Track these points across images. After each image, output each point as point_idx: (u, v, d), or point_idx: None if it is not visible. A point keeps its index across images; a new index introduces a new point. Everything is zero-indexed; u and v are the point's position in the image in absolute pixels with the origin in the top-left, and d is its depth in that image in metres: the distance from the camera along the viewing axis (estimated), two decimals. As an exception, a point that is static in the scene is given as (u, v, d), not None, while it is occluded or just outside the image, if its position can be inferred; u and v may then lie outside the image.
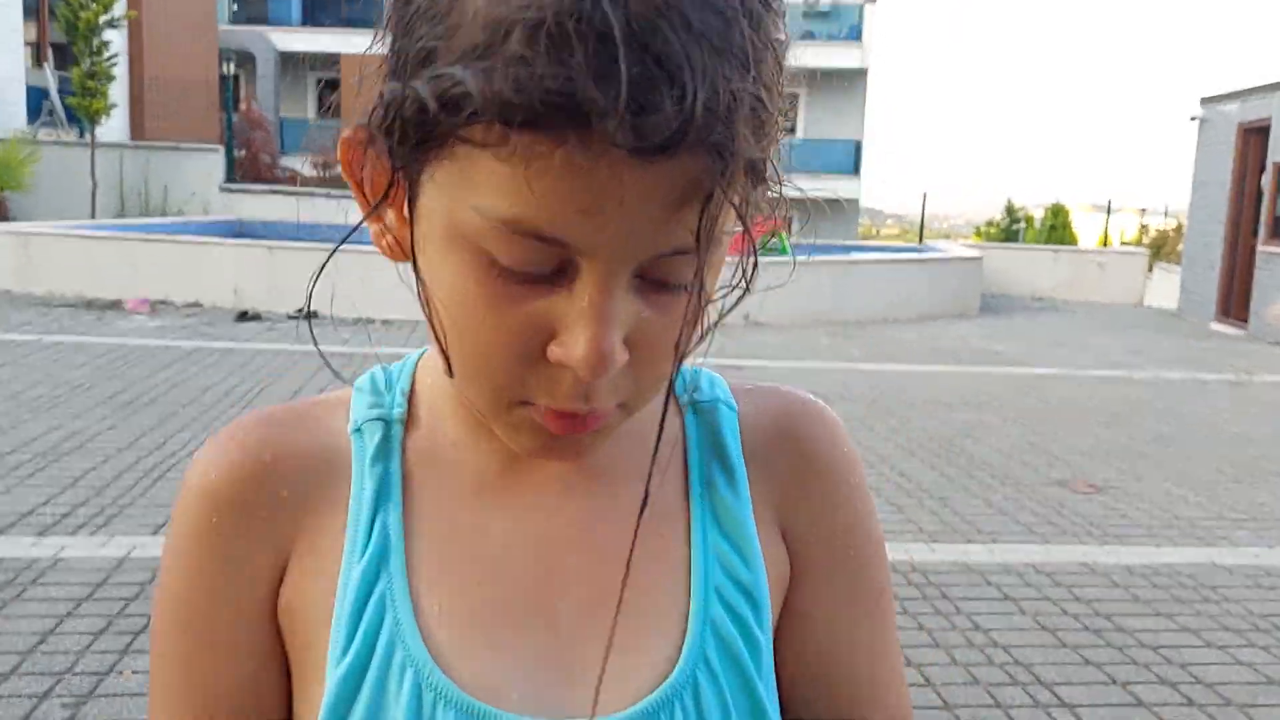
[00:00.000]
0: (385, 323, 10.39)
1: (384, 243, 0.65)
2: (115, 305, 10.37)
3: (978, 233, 76.08)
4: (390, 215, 0.61)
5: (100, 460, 5.16)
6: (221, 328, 9.53)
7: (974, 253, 14.21)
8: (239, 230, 15.24)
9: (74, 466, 5.03)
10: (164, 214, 15.55)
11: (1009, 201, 59.33)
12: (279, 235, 15.18)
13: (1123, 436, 6.75)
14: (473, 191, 0.50)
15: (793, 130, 32.04)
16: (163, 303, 10.62)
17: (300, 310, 10.34)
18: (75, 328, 9.08)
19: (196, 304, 10.65)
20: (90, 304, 10.41)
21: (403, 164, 0.53)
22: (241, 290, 10.62)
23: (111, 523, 4.26)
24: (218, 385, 7.11)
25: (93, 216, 14.87)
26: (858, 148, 31.23)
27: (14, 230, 11.03)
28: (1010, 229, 56.73)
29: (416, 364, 0.72)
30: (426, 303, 0.59)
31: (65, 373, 7.23)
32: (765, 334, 10.87)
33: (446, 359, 0.58)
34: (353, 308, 10.60)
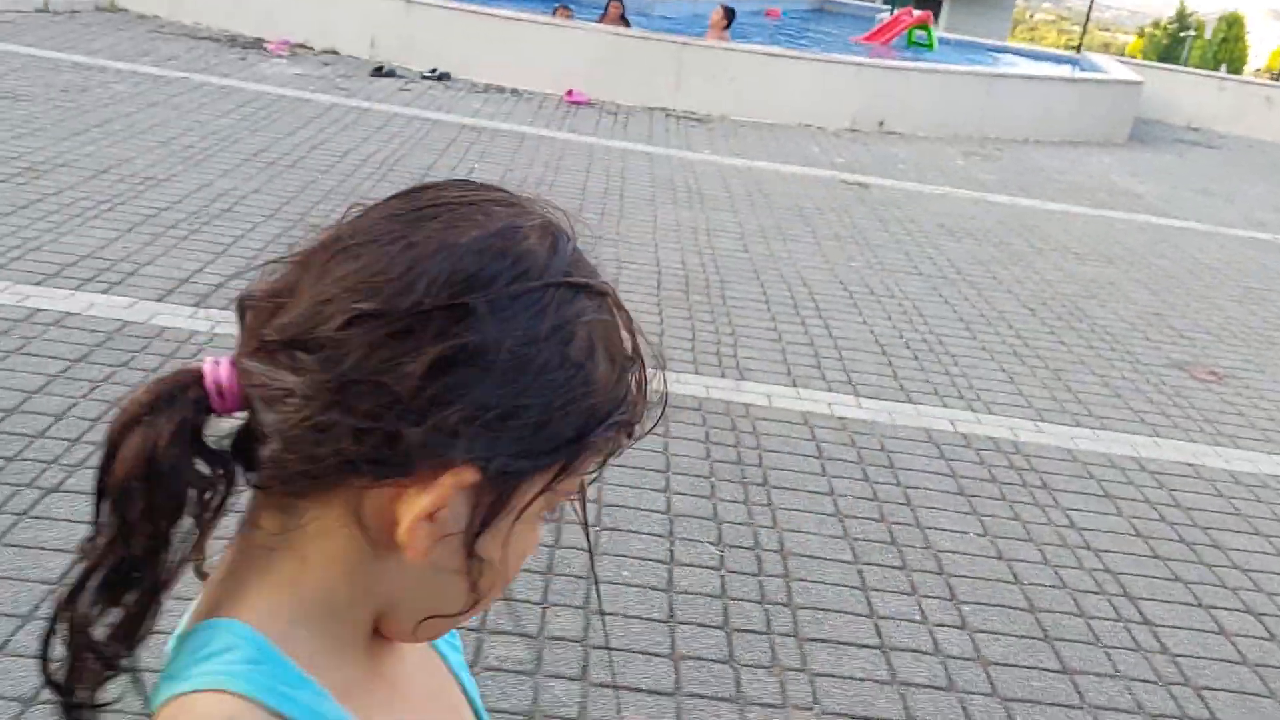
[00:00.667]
0: (514, 92, 10.34)
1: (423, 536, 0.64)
2: (257, 44, 10.46)
3: (1140, 35, 70.40)
4: (443, 516, 0.63)
5: (248, 227, 5.41)
6: (357, 82, 9.60)
7: (1133, 75, 13.37)
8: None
9: (224, 232, 5.29)
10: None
11: (1181, 4, 54.73)
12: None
13: (1255, 316, 6.57)
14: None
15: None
16: (302, 46, 10.66)
17: (434, 70, 10.33)
18: (219, 67, 9.24)
19: (333, 51, 10.67)
20: (234, 40, 10.52)
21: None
22: (377, 42, 10.60)
23: (260, 300, 4.53)
24: (356, 150, 7.26)
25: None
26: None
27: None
28: (1177, 35, 52.51)
29: (265, 645, 0.64)
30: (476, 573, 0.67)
31: (213, 121, 7.43)
32: (897, 145, 10.56)
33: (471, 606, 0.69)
34: (485, 72, 10.55)
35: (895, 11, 18.41)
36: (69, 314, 4.08)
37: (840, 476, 3.76)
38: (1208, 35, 53.64)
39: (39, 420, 3.31)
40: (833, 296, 5.77)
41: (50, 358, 3.72)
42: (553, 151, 8.16)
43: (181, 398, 0.63)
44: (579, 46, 10.49)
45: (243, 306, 0.67)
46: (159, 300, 4.35)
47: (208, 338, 4.06)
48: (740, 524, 3.37)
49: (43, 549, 2.77)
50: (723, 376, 4.46)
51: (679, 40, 10.70)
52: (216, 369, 0.64)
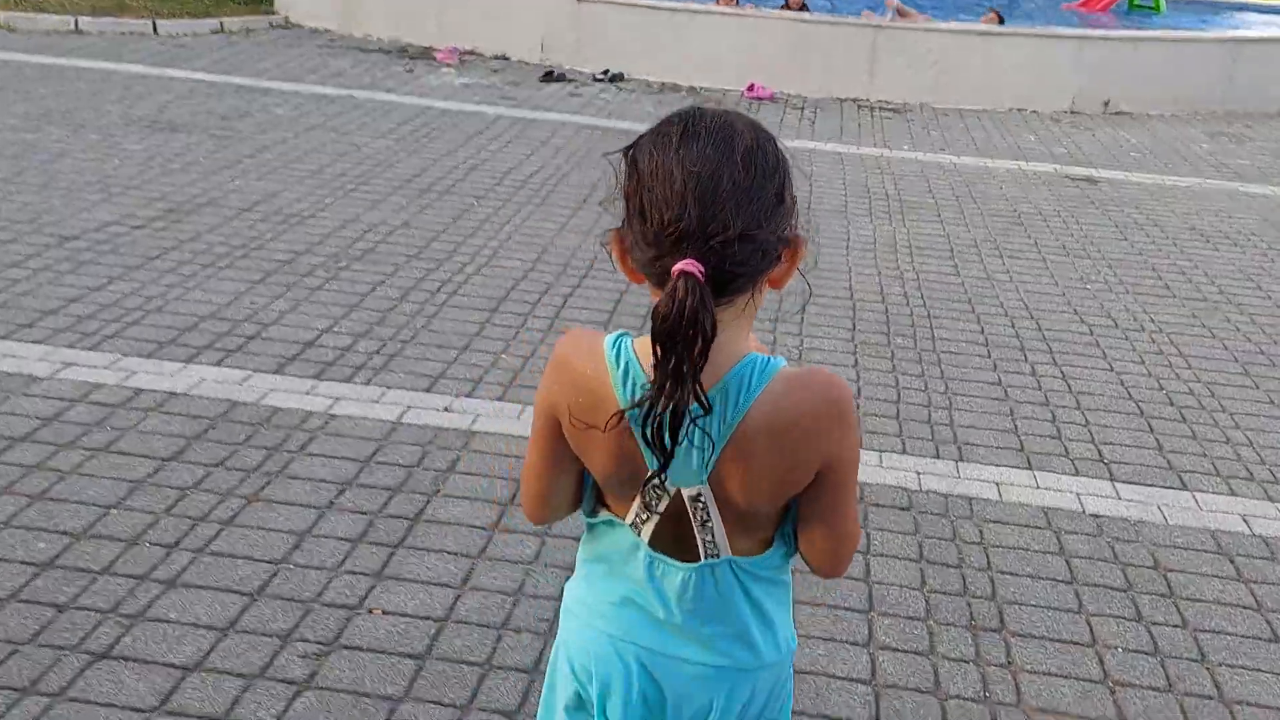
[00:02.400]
0: (691, 90, 9.58)
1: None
2: (426, 53, 10.09)
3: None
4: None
5: (388, 271, 4.87)
6: (526, 89, 9.06)
7: None
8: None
9: (360, 278, 4.76)
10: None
11: None
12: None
13: None
14: None
15: None
16: (471, 53, 10.23)
17: (606, 72, 9.69)
18: (385, 81, 8.87)
19: (503, 57, 10.19)
20: (404, 51, 10.18)
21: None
22: (548, 43, 10.05)
23: (391, 365, 3.95)
24: (517, 169, 6.67)
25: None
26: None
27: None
28: None
29: (769, 359, 1.28)
30: None
31: (370, 143, 7.00)
32: (1127, 128, 9.24)
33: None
34: (659, 71, 9.84)
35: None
36: (172, 395, 3.59)
37: (1103, 614, 2.84)
38: None
39: (104, 549, 2.79)
40: (1067, 333, 4.77)
41: (141, 456, 3.22)
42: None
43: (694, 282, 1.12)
44: (759, 36, 9.64)
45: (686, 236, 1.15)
46: (276, 372, 3.82)
47: (323, 420, 3.50)
48: (972, 701, 2.52)
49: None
50: (938, 457, 3.58)
51: (872, 23, 9.69)
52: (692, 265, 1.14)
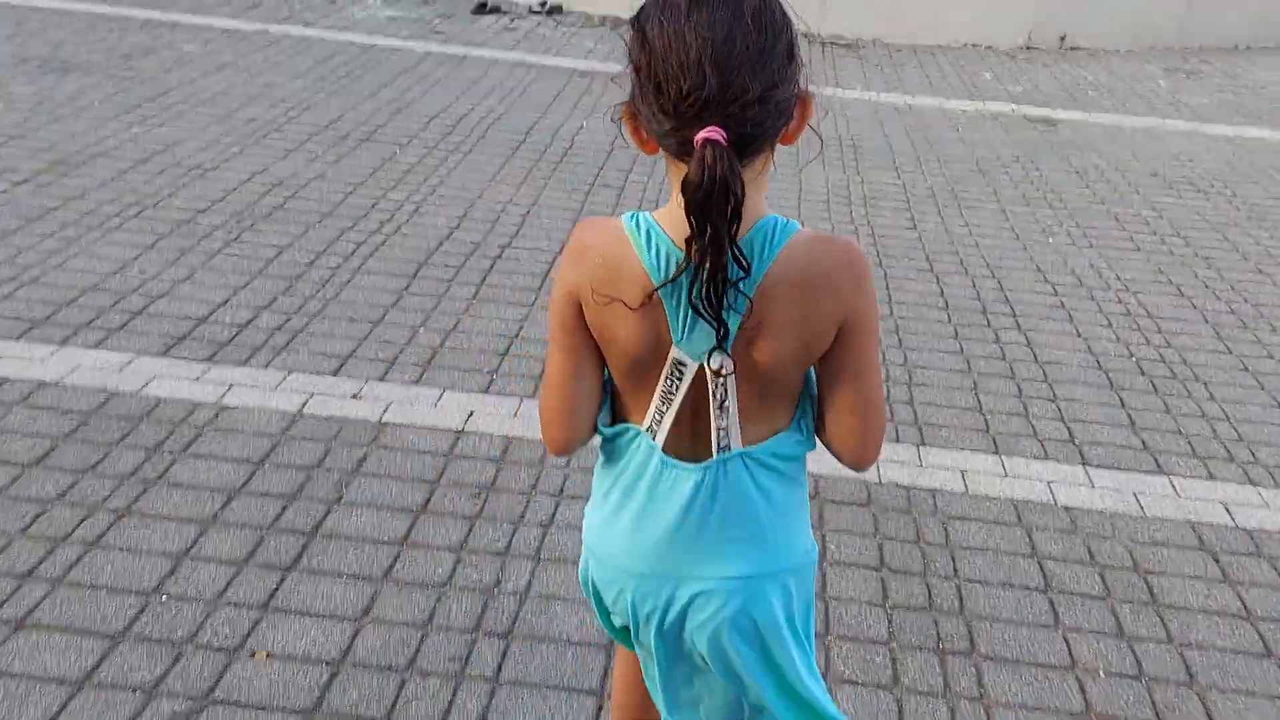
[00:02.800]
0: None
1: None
2: (350, -17, 9.47)
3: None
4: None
5: (297, 233, 4.43)
6: (457, 23, 8.51)
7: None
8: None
9: (266, 241, 4.32)
10: None
11: None
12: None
13: None
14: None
15: None
16: (399, -17, 9.62)
17: (544, 3, 9.16)
18: (304, 14, 8.28)
19: (433, -13, 9.59)
20: (325, -20, 9.54)
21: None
22: (482, -26, 9.45)
23: (294, 344, 3.55)
24: (446, 111, 6.20)
25: None
26: None
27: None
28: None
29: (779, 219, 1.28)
30: None
31: (285, 84, 6.48)
32: (1083, 64, 8.92)
33: None
34: (603, 1, 9.32)
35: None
36: (41, 385, 3.17)
37: (1081, 630, 2.56)
38: None
39: (-49, 578, 2.40)
40: (1031, 294, 4.47)
41: (2, 463, 2.81)
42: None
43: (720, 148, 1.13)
44: (706, -34, 9.11)
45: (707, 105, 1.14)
46: (163, 354, 3.40)
47: (212, 413, 3.10)
48: (939, 734, 2.23)
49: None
50: (899, 440, 3.28)
51: (822, -48, 9.22)
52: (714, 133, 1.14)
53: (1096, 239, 5.15)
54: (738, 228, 1.15)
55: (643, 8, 1.21)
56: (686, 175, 1.13)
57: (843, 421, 1.34)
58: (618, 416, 1.39)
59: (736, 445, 1.31)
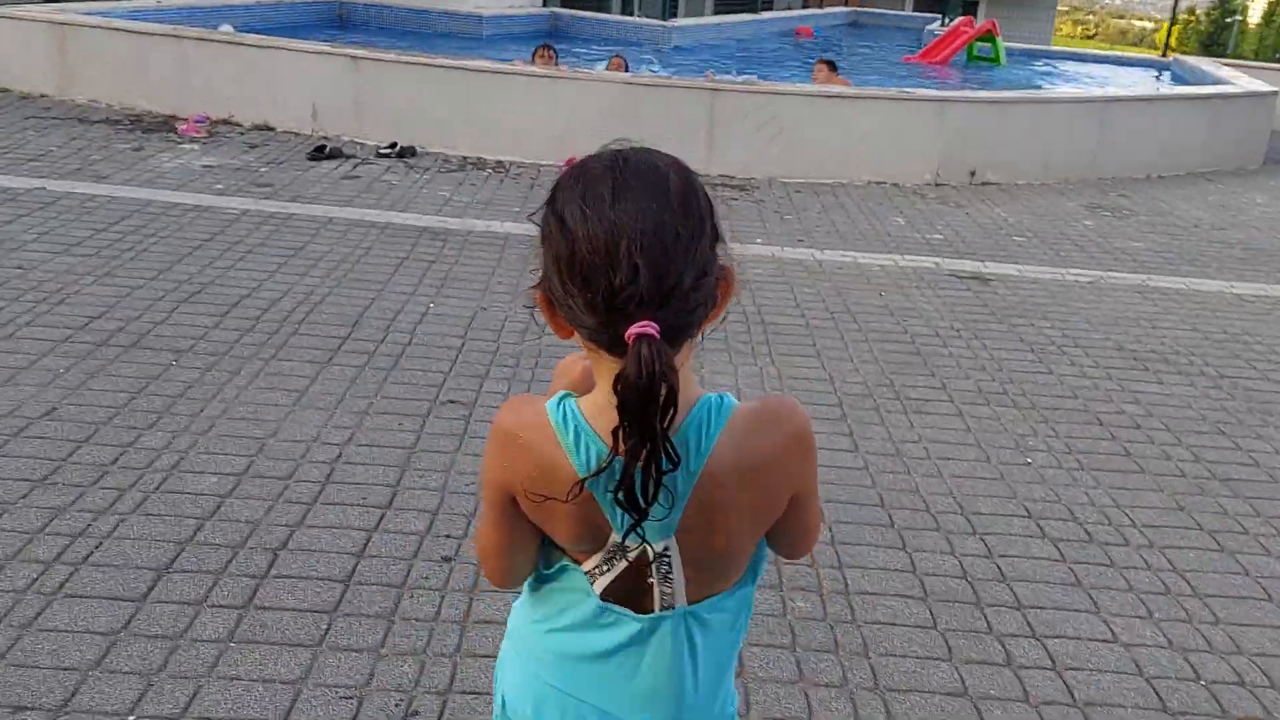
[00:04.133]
0: (498, 167, 7.94)
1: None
2: (168, 124, 8.15)
3: (1174, 20, 67.30)
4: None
5: (18, 493, 3.02)
6: (288, 170, 7.23)
7: (1265, 87, 10.81)
8: (339, 14, 12.73)
9: (-68, 539, 2.89)
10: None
11: (1226, -15, 51.50)
12: (386, 22, 12.67)
13: None
14: None
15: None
16: (226, 123, 8.33)
17: (393, 146, 7.96)
18: (99, 165, 6.90)
19: (266, 127, 8.33)
20: (138, 121, 8.20)
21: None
22: (322, 111, 8.24)
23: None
24: (246, 302, 4.87)
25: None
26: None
27: (50, 18, 8.76)
28: (1222, 21, 49.21)
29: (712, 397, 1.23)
30: None
31: (46, 262, 5.08)
32: (998, 202, 8.08)
33: None
34: (459, 142, 8.18)
35: (952, 21, 15.93)
36: None
37: None
38: (1253, 19, 50.43)
39: None
40: (1028, 560, 3.30)
41: None
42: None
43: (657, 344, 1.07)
44: (579, 101, 8.09)
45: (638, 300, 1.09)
46: None
47: None
48: None
49: None
50: None
51: (709, 84, 8.27)
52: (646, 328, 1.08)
53: (1084, 455, 4.05)
54: (672, 420, 1.09)
55: (559, 189, 1.15)
56: (622, 373, 1.08)
57: (790, 548, 1.37)
58: (557, 549, 1.31)
59: (680, 603, 1.28)
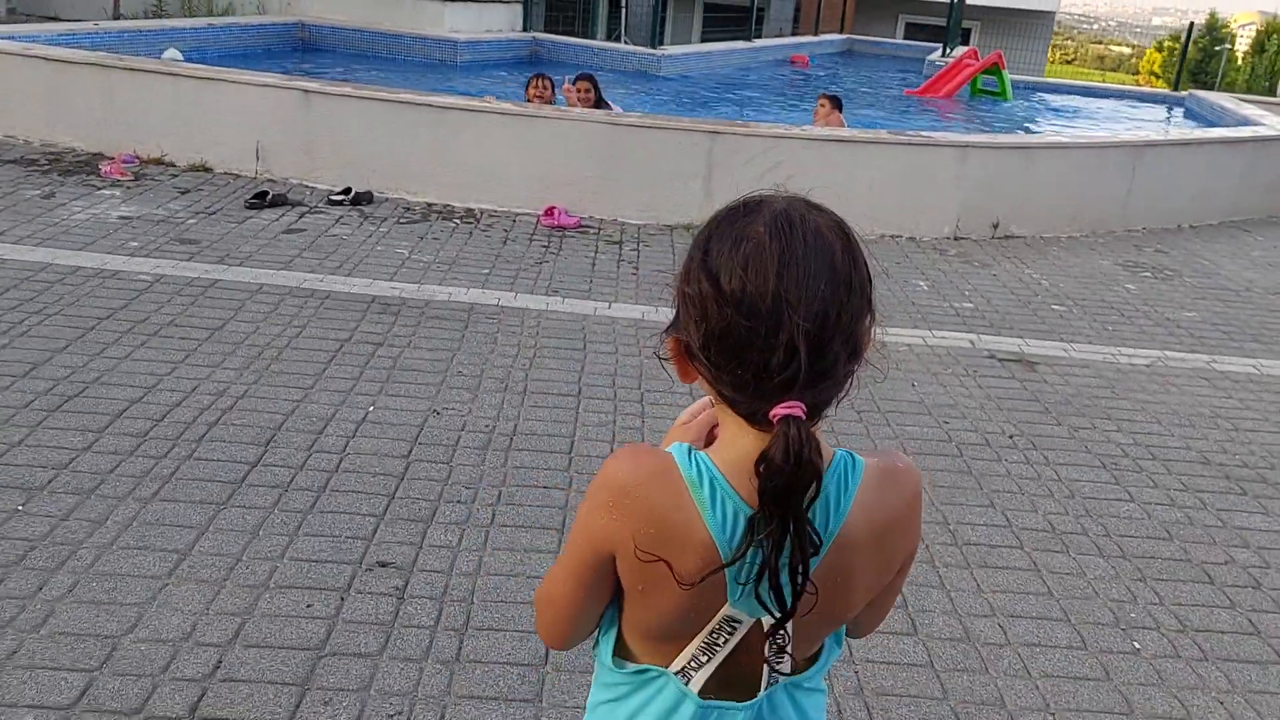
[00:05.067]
0: (467, 216, 7.01)
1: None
2: (92, 163, 7.19)
3: (1157, 47, 66.84)
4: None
5: None
6: (221, 222, 6.28)
7: (1299, 127, 10.00)
8: (301, 38, 11.80)
9: None
10: (210, 11, 12.13)
11: (1212, 13, 51.06)
12: (353, 46, 11.76)
13: None
14: None
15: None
16: (158, 163, 7.38)
17: (346, 191, 7.04)
18: (-1, 215, 5.94)
19: (204, 167, 7.38)
20: (57, 160, 7.24)
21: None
22: (267, 149, 7.30)
23: None
24: (133, 410, 3.91)
25: (116, 13, 11.56)
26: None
27: (-37, 41, 7.79)
28: (1210, 49, 48.70)
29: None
30: None
31: (-109, 353, 4.10)
32: (1025, 258, 7.22)
33: None
34: (423, 187, 7.25)
35: (954, 53, 15.12)
36: None
37: None
38: (1240, 44, 50.01)
39: None
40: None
41: None
42: (521, 339, 4.80)
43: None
44: (561, 142, 7.17)
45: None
46: None
47: None
48: None
49: None
50: None
51: (707, 126, 7.37)
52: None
53: (1202, 635, 3.13)
54: (813, 500, 1.03)
55: (712, 233, 1.07)
56: (767, 456, 1.01)
57: (871, 621, 1.30)
58: (627, 647, 1.21)
59: (784, 678, 1.20)
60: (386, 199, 7.17)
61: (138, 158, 7.31)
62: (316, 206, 6.85)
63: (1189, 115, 13.48)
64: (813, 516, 1.05)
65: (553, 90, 8.04)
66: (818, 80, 15.09)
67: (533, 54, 13.22)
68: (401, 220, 6.77)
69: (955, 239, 7.64)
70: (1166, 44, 62.36)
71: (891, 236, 7.49)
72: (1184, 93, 14.34)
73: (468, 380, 4.41)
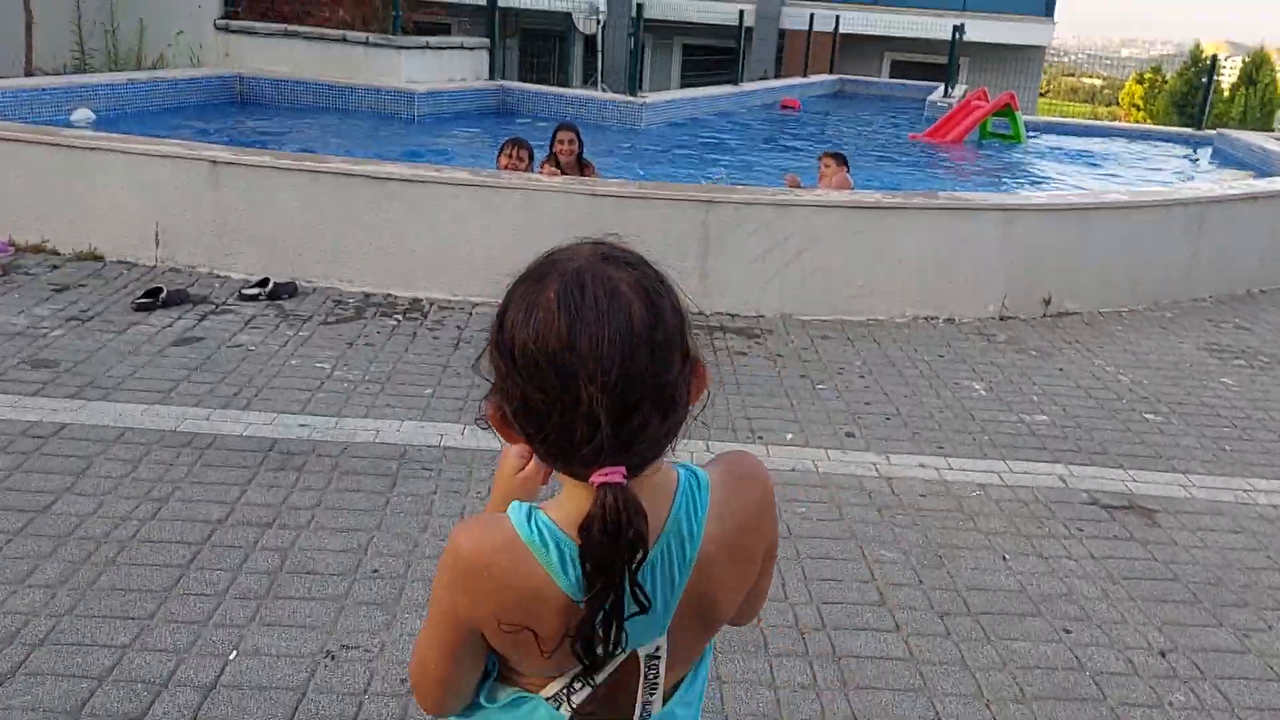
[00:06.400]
0: (411, 310, 5.73)
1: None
2: (-47, 253, 5.88)
3: (1138, 79, 66.81)
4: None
5: None
6: (98, 330, 4.97)
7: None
8: (238, 93, 10.56)
9: None
10: (139, 64, 10.87)
11: (1196, 43, 50.25)
12: (297, 100, 10.52)
13: None
14: None
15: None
16: (38, 250, 6.08)
17: (263, 283, 5.76)
18: None
19: (92, 255, 6.08)
20: (-89, 249, 5.92)
21: None
22: (169, 234, 6.01)
23: None
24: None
25: (28, 69, 10.28)
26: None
27: None
28: (1196, 80, 47.76)
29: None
30: None
31: None
32: (1091, 345, 5.98)
33: None
34: (358, 273, 5.97)
35: (956, 92, 13.99)
36: None
37: None
38: (1225, 73, 49.27)
39: None
40: None
41: None
42: (467, 504, 3.49)
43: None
44: (528, 217, 5.90)
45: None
46: None
47: None
48: None
49: None
50: None
51: (701, 194, 6.11)
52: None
53: None
54: (640, 562, 1.01)
55: (509, 302, 1.03)
56: (585, 525, 1.00)
57: (749, 612, 1.31)
58: (504, 676, 1.21)
59: (658, 709, 1.19)
60: (314, 290, 5.87)
61: (13, 245, 6.00)
62: (225, 304, 5.54)
63: (1220, 157, 12.37)
64: (667, 549, 1.07)
65: (530, 160, 6.77)
66: (811, 125, 13.94)
67: (500, 105, 12.00)
68: (329, 319, 5.47)
69: (1001, 319, 6.38)
70: (1147, 76, 61.69)
71: (926, 319, 6.23)
72: (1211, 131, 13.23)
73: (384, 588, 3.09)
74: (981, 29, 20.92)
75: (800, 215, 6.06)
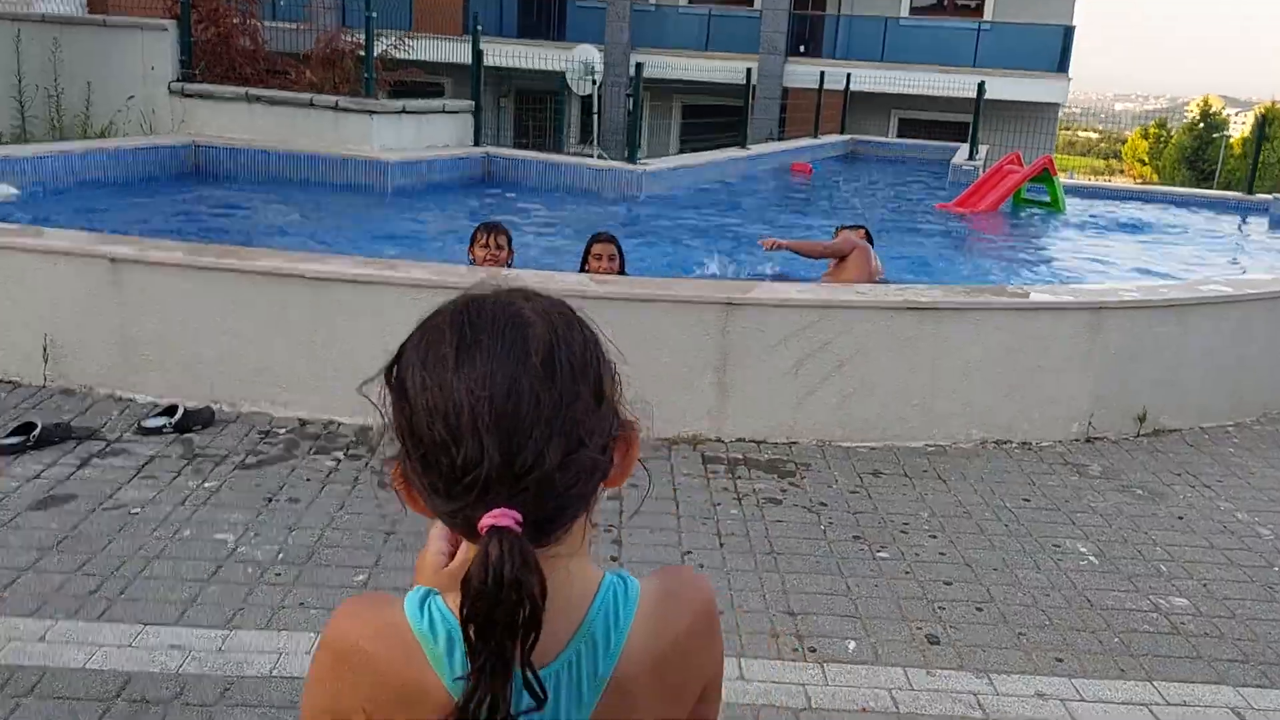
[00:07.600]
0: (361, 439, 4.56)
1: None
2: None
3: (1142, 134, 65.92)
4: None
5: None
6: (-69, 493, 3.78)
7: None
8: (193, 164, 9.48)
9: None
10: (84, 133, 9.79)
11: (1205, 97, 49.63)
12: (258, 172, 9.44)
13: None
14: None
15: (979, 9, 24.95)
16: (-103, 368, 4.91)
17: (170, 411, 4.58)
18: None
19: (-36, 376, 4.91)
20: None
21: None
22: (60, 348, 4.85)
23: None
24: None
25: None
26: (1067, 35, 23.76)
27: None
28: (1206, 136, 47.14)
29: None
30: None
31: None
32: (1208, 479, 4.82)
33: None
34: (285, 394, 4.80)
35: (980, 154, 12.92)
36: None
37: None
38: (1234, 129, 48.62)
39: None
40: None
41: None
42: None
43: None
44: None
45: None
46: None
47: None
48: None
49: None
50: None
51: (720, 294, 4.93)
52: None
53: None
54: (535, 642, 0.84)
55: (401, 350, 0.93)
56: (466, 576, 0.84)
57: None
58: None
59: None
60: (237, 417, 4.70)
61: None
62: (119, 439, 4.37)
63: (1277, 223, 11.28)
64: (576, 658, 0.93)
65: (510, 249, 5.60)
66: (826, 191, 12.87)
67: (486, 174, 10.91)
68: (249, 459, 4.29)
69: (1088, 440, 5.21)
70: (1152, 130, 61.08)
71: (997, 443, 5.06)
72: (1268, 196, 12.13)
73: None
74: (995, 86, 20.04)
75: (839, 319, 4.89)
